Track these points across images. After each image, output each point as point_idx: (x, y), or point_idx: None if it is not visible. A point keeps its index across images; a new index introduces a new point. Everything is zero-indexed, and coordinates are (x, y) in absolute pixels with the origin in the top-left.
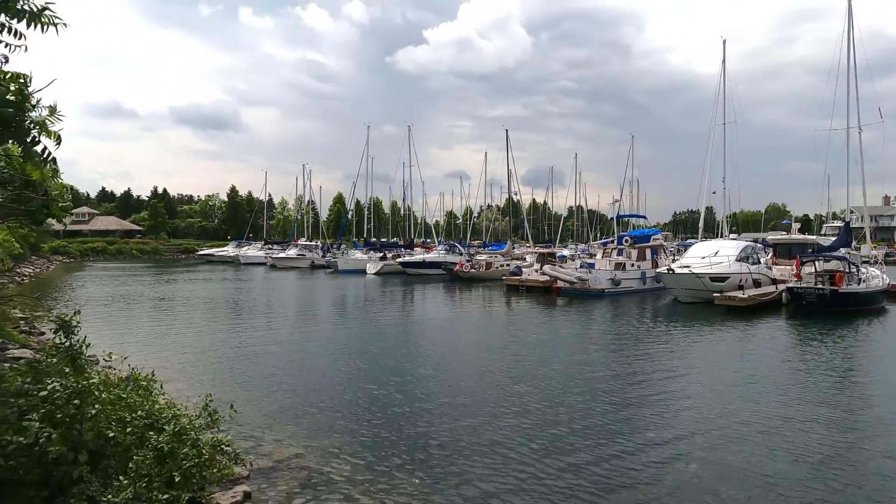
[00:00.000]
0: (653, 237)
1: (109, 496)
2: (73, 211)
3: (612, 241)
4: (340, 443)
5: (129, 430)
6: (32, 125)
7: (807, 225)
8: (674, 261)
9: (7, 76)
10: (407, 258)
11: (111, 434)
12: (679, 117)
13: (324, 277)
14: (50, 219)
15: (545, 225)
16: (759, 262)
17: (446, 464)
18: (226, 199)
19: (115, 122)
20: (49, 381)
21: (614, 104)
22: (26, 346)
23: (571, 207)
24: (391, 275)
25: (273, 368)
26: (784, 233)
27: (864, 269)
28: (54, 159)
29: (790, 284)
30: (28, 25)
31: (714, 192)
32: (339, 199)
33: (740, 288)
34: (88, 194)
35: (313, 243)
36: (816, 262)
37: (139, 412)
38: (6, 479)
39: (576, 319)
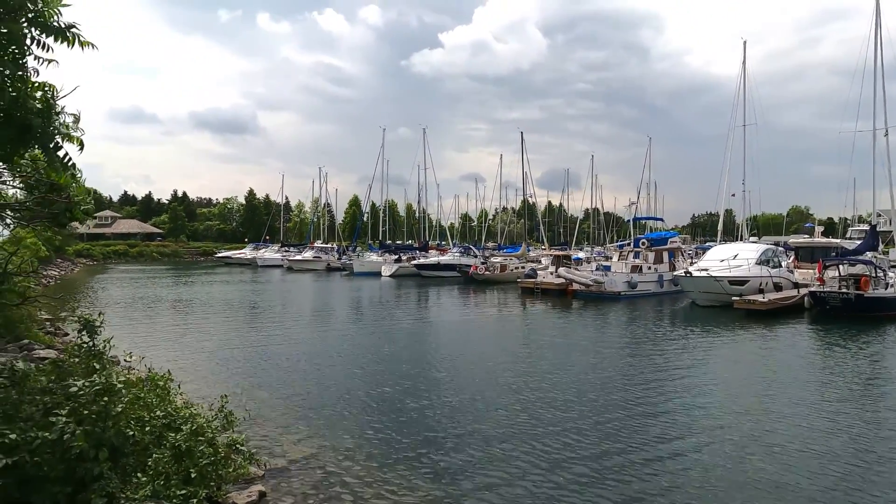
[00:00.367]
0: (670, 240)
1: (128, 493)
2: (97, 214)
3: (629, 244)
4: (354, 444)
5: (147, 429)
6: (56, 132)
7: (830, 228)
8: (691, 264)
9: (34, 86)
10: (422, 260)
11: (131, 433)
12: (698, 119)
13: (339, 279)
14: (73, 222)
15: (561, 227)
16: (781, 266)
17: (459, 466)
18: (243, 201)
19: (138, 127)
20: (73, 380)
21: (632, 106)
22: (51, 346)
23: (587, 210)
24: (406, 277)
25: (288, 370)
26: (807, 236)
27: (891, 274)
28: (74, 164)
29: (813, 288)
30: (56, 40)
31: (733, 195)
32: (354, 202)
33: (760, 292)
34: (111, 198)
35: (329, 246)
36: (841, 266)
37: (157, 412)
38: (33, 474)
39: (591, 322)
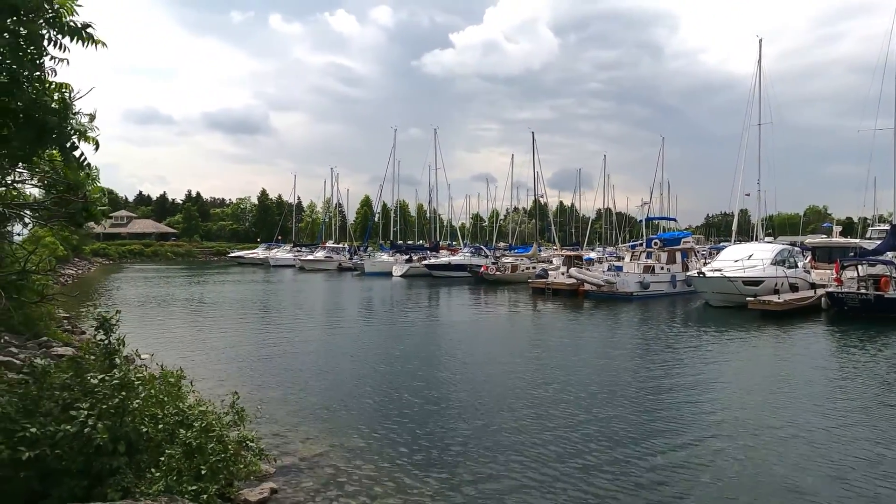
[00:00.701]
0: (683, 240)
1: (143, 487)
2: (112, 214)
3: (641, 244)
4: (365, 443)
5: (160, 425)
6: (73, 132)
7: (849, 228)
8: (705, 264)
9: (51, 86)
10: (432, 260)
11: (145, 429)
12: (712, 119)
13: (350, 279)
14: (89, 221)
15: (572, 227)
16: (797, 266)
17: (470, 466)
18: (256, 202)
19: (152, 128)
20: (90, 376)
21: (645, 106)
22: (68, 344)
23: (599, 210)
24: (417, 277)
25: (300, 368)
26: (824, 236)
27: None
28: (90, 164)
29: (830, 289)
30: (72, 40)
31: (748, 195)
32: (366, 202)
33: (776, 292)
34: (127, 198)
35: (341, 246)
36: (860, 266)
37: (170, 409)
38: (54, 467)
39: (602, 323)
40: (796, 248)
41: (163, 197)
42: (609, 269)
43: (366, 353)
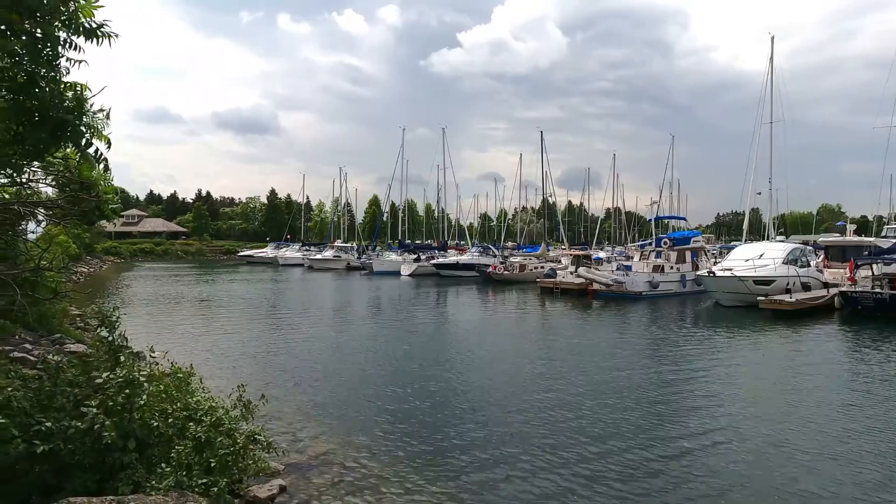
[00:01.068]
0: (693, 239)
1: (153, 482)
2: (124, 213)
3: (651, 244)
4: (373, 441)
5: (170, 420)
6: (86, 129)
7: (863, 227)
8: (715, 263)
9: (65, 85)
10: (441, 260)
11: (155, 424)
12: (723, 117)
13: (359, 278)
14: (101, 220)
15: (581, 227)
16: (809, 266)
17: (477, 465)
18: (265, 201)
19: (162, 128)
20: (97, 373)
21: (655, 104)
22: (81, 341)
23: (609, 209)
24: (425, 276)
25: (308, 367)
26: (837, 235)
27: None
28: (106, 159)
29: (843, 288)
30: (87, 40)
31: (759, 193)
32: (374, 202)
33: (787, 292)
34: (138, 197)
35: (349, 245)
36: (874, 265)
37: (179, 404)
38: (67, 462)
39: (611, 323)
40: (809, 248)
41: (173, 196)
42: (618, 269)
43: (374, 353)
